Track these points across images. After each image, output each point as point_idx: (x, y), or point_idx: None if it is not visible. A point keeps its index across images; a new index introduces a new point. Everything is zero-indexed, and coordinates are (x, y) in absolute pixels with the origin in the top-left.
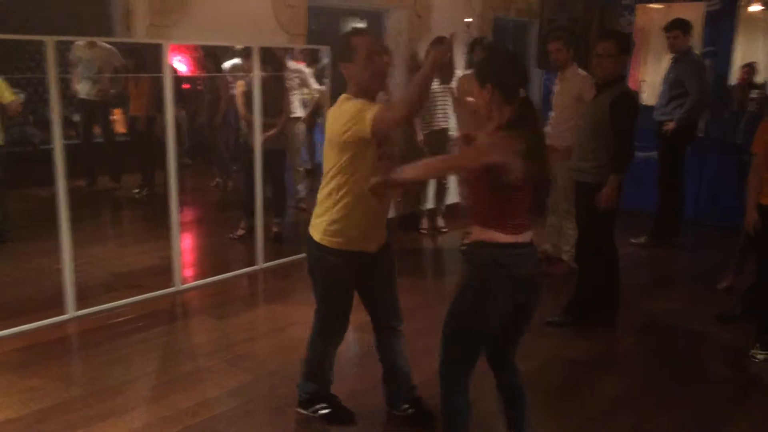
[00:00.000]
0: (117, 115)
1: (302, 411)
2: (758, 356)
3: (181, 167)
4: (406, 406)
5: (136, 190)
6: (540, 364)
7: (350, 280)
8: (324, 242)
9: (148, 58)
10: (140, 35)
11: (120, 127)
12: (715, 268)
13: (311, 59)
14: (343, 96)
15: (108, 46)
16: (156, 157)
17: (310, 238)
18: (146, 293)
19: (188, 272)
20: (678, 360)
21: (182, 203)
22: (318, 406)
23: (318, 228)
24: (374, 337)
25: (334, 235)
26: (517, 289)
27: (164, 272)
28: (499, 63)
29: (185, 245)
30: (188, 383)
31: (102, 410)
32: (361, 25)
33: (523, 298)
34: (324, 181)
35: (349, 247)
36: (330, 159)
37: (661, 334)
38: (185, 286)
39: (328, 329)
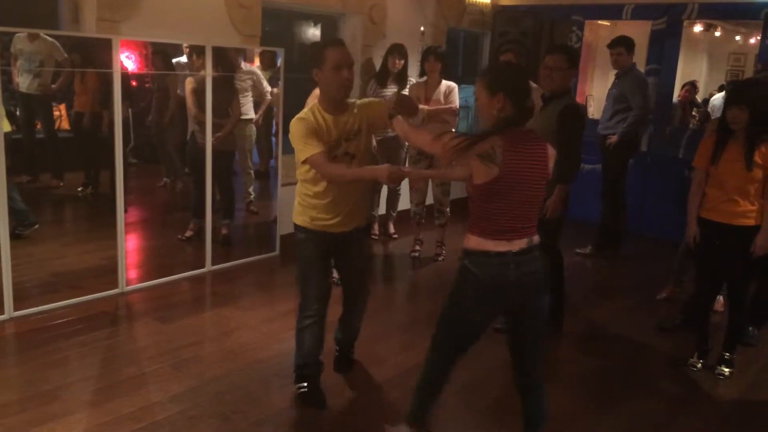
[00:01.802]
0: (60, 111)
1: (295, 386)
2: (696, 365)
3: (127, 166)
4: (338, 348)
5: (80, 189)
6: (485, 371)
7: (315, 254)
8: (296, 221)
9: (95, 53)
10: (89, 29)
11: (64, 123)
12: (656, 278)
13: (269, 62)
14: (314, 102)
15: (50, 39)
16: (101, 155)
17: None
18: (88, 295)
19: (133, 274)
20: (619, 369)
21: (128, 203)
22: (299, 384)
23: (295, 210)
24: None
25: (299, 214)
26: (494, 297)
27: (108, 273)
28: (511, 73)
29: (130, 246)
30: (130, 388)
31: (39, 415)
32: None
33: (508, 306)
34: (297, 168)
35: (310, 226)
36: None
37: (604, 343)
38: (129, 288)
39: (304, 300)
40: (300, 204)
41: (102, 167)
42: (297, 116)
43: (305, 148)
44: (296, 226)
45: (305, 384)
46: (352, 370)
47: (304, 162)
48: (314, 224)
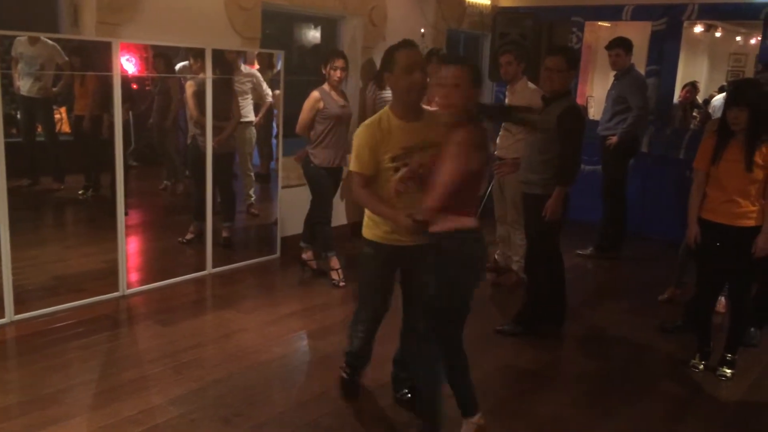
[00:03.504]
0: (61, 114)
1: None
2: (698, 367)
3: (128, 169)
4: (405, 391)
5: (81, 192)
6: (488, 373)
7: (381, 270)
8: (366, 235)
9: (95, 57)
10: (89, 32)
11: (65, 127)
12: (657, 279)
13: (267, 64)
14: (384, 108)
15: (51, 42)
16: (101, 158)
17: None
18: (89, 298)
19: (134, 277)
20: (621, 371)
21: (129, 206)
22: (344, 367)
23: (364, 223)
24: (402, 322)
25: (370, 228)
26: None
27: (109, 276)
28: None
29: (131, 249)
30: (131, 391)
31: (40, 418)
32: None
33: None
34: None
35: (381, 241)
36: None
37: (605, 344)
38: (130, 290)
39: (361, 311)
40: (369, 218)
41: (103, 170)
42: (364, 122)
43: (354, 161)
44: (365, 240)
45: (348, 372)
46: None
47: (350, 172)
48: (386, 238)
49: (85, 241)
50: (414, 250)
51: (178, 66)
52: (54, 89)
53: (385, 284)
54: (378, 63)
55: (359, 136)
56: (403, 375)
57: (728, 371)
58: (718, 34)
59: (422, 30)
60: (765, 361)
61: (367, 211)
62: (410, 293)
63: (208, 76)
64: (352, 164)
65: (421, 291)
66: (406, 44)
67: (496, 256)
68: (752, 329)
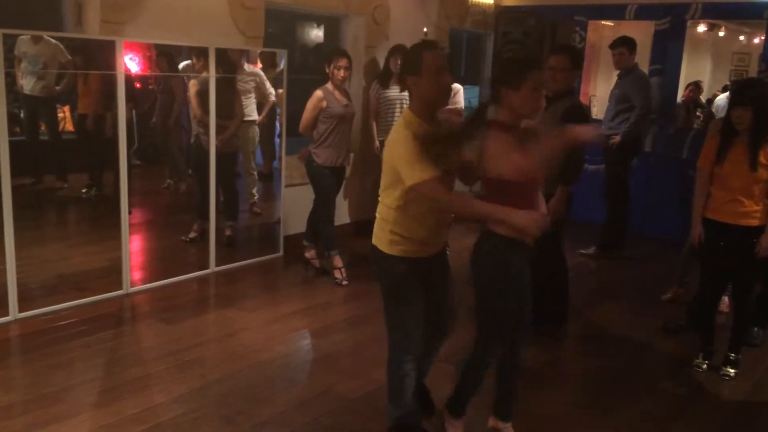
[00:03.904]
0: (65, 113)
1: None
2: (701, 366)
3: (131, 168)
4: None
5: (84, 190)
6: (488, 372)
7: (417, 285)
8: (389, 251)
9: (99, 55)
10: (92, 31)
11: (68, 125)
12: (660, 279)
13: (270, 63)
14: (405, 110)
15: (54, 41)
16: (105, 157)
17: (374, 247)
18: (93, 296)
19: (137, 275)
20: (623, 371)
21: (132, 205)
22: None
23: (383, 237)
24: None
25: (398, 244)
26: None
27: (112, 275)
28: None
29: (135, 247)
30: (134, 389)
31: (43, 417)
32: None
33: None
34: (384, 192)
35: (412, 255)
36: (388, 174)
37: (607, 344)
38: (134, 289)
39: (406, 342)
40: (394, 233)
41: (106, 169)
42: (400, 128)
43: (415, 170)
44: (390, 257)
45: None
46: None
47: (413, 187)
48: (416, 252)
49: (88, 240)
50: (432, 260)
51: (181, 65)
52: (57, 88)
53: (423, 299)
54: (381, 63)
55: (410, 143)
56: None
57: (731, 371)
58: (721, 34)
59: (425, 29)
60: None
61: (390, 226)
62: (433, 302)
63: (212, 75)
64: (419, 173)
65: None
66: (431, 45)
67: None
68: (755, 329)
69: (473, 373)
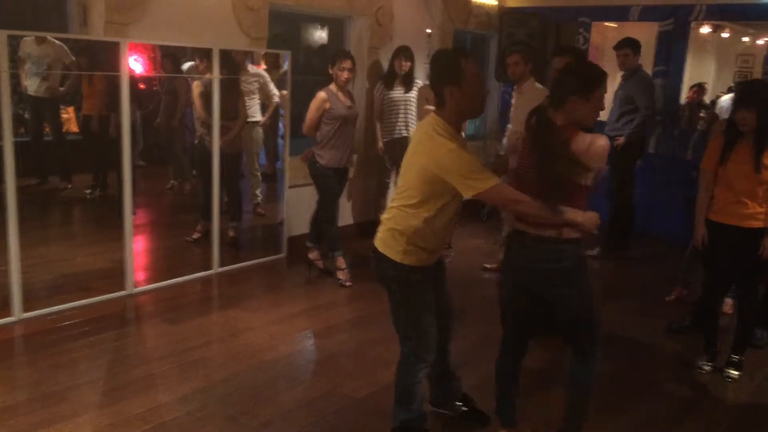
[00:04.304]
0: (69, 114)
1: None
2: (705, 368)
3: (135, 169)
4: (460, 404)
5: (88, 191)
6: (492, 372)
7: (431, 293)
8: (406, 261)
9: (103, 56)
10: (97, 32)
11: (72, 126)
12: (664, 280)
13: (274, 64)
14: (433, 118)
15: (58, 42)
16: (109, 158)
17: (383, 256)
18: (97, 296)
19: (141, 275)
20: (627, 371)
21: (136, 205)
22: None
23: (394, 248)
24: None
25: (413, 254)
26: None
27: (116, 275)
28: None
29: (138, 248)
30: (138, 389)
31: (47, 416)
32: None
33: None
34: (401, 198)
35: (426, 264)
36: (412, 181)
37: (611, 345)
38: (138, 289)
39: (421, 350)
40: (410, 243)
41: (110, 169)
42: (436, 134)
43: (480, 180)
44: (407, 268)
45: None
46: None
47: (479, 195)
48: (429, 260)
49: (92, 240)
50: (435, 265)
51: (185, 66)
52: (61, 89)
53: (434, 306)
54: (385, 64)
55: (464, 156)
56: (450, 386)
57: (735, 373)
58: (725, 35)
59: (429, 30)
60: None
61: (407, 238)
62: (439, 303)
63: (216, 76)
64: (482, 182)
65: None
66: (466, 53)
67: (502, 257)
68: (759, 331)
69: (592, 383)
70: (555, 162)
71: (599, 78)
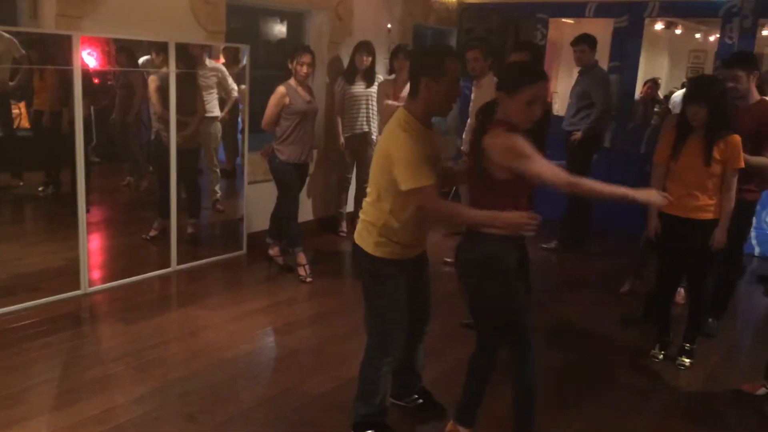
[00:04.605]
0: (20, 109)
1: None
2: (658, 357)
3: (89, 165)
4: (416, 396)
5: (41, 188)
6: (453, 366)
7: (404, 288)
8: (377, 253)
9: (55, 50)
10: (48, 25)
11: (23, 122)
12: (620, 272)
13: (233, 58)
14: (401, 112)
15: (7, 35)
16: (62, 154)
17: (359, 248)
18: (50, 296)
19: (96, 274)
20: (584, 363)
21: (90, 203)
22: None
23: (370, 238)
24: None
25: (385, 246)
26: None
27: (70, 274)
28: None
29: (93, 246)
30: (94, 390)
31: (2, 419)
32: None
33: None
34: (372, 194)
35: (399, 257)
36: (378, 174)
37: (569, 337)
38: (93, 288)
39: (388, 345)
40: (382, 236)
41: (63, 166)
42: (398, 127)
43: (415, 177)
44: (377, 259)
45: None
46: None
47: (410, 191)
48: (403, 254)
49: (45, 239)
50: (416, 260)
51: (141, 60)
52: (11, 83)
53: (406, 302)
54: (345, 59)
55: (410, 144)
56: (410, 380)
57: (687, 361)
58: (678, 32)
59: (389, 25)
60: (722, 350)
61: (378, 230)
62: (417, 301)
63: (172, 70)
64: (415, 180)
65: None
66: (453, 52)
67: None
68: (710, 319)
69: (530, 384)
70: (479, 156)
71: (527, 78)
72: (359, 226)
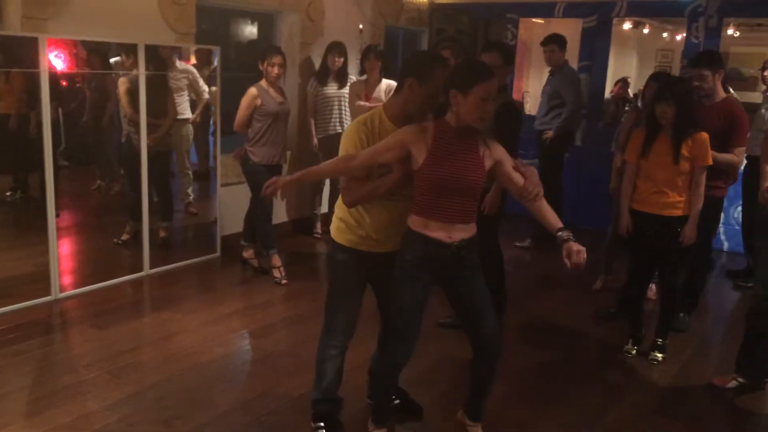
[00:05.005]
0: None
1: (312, 425)
2: (631, 352)
3: (58, 169)
4: (392, 397)
5: (8, 193)
6: (431, 365)
7: (356, 278)
8: (336, 239)
9: (21, 53)
10: (13, 28)
11: None
12: (593, 269)
13: (205, 60)
14: (377, 110)
15: None
16: (30, 158)
17: (332, 240)
18: (20, 302)
19: (67, 280)
20: (558, 358)
21: (60, 207)
22: (318, 424)
23: (333, 224)
24: (380, 333)
25: (344, 233)
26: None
27: (40, 280)
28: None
29: (64, 251)
30: (67, 397)
31: None
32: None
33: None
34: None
35: (357, 246)
36: None
37: (544, 334)
38: (64, 294)
39: (332, 326)
40: (343, 221)
41: (31, 170)
42: (358, 122)
43: (345, 145)
44: (338, 246)
45: (322, 424)
46: (423, 416)
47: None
48: (361, 244)
49: (13, 245)
50: (382, 258)
51: (113, 60)
52: None
53: (360, 293)
54: (316, 60)
55: (352, 130)
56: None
57: (659, 355)
58: (645, 31)
59: (360, 26)
60: (694, 345)
61: (340, 214)
62: (386, 300)
63: (141, 72)
64: (342, 149)
65: (483, 293)
66: (444, 63)
67: None
68: (681, 315)
69: (380, 372)
70: None
71: (479, 76)
72: (332, 221)
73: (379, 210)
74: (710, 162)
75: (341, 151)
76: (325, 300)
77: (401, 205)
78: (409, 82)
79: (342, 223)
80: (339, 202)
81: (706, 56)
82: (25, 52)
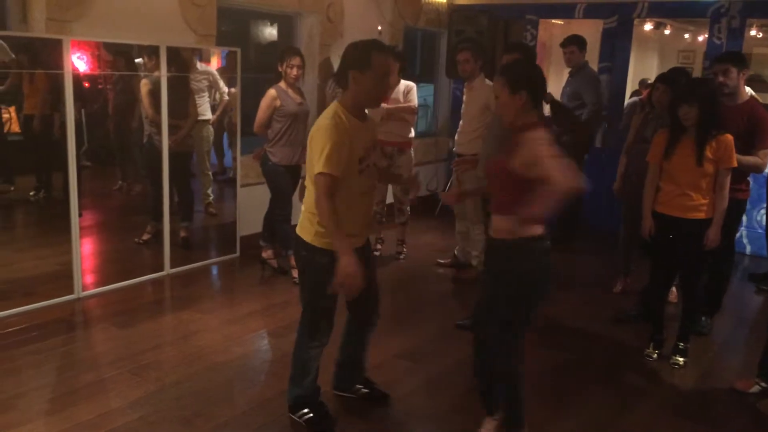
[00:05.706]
0: (10, 114)
1: (292, 416)
2: (652, 356)
3: (81, 169)
4: (359, 386)
5: (32, 193)
6: (448, 367)
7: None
8: (314, 243)
9: (45, 54)
10: (38, 29)
11: (14, 126)
12: (611, 271)
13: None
14: (335, 104)
15: None
16: (53, 158)
17: (299, 238)
18: (43, 301)
19: (89, 279)
20: (578, 362)
21: (82, 207)
22: (302, 411)
23: (308, 230)
24: (346, 325)
25: (322, 236)
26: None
27: (63, 279)
28: (532, 71)
29: (86, 250)
30: (88, 395)
31: None
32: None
33: None
34: (309, 183)
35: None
36: (308, 163)
37: (561, 336)
38: (86, 293)
39: (314, 331)
40: (322, 226)
41: (55, 170)
42: (327, 117)
43: (325, 162)
44: (316, 249)
45: (306, 410)
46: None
47: (317, 174)
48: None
49: (37, 244)
50: (360, 252)
51: (138, 60)
52: (1, 88)
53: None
54: (335, 61)
55: (331, 133)
56: (355, 373)
57: (681, 359)
58: (667, 32)
59: (379, 27)
60: (716, 348)
61: (317, 219)
62: (362, 293)
63: (163, 74)
64: (323, 165)
65: (489, 301)
66: (382, 46)
67: (455, 252)
68: (703, 318)
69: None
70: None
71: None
72: (301, 217)
73: (359, 204)
74: (735, 164)
75: (320, 146)
76: (304, 305)
77: (368, 199)
78: (352, 75)
79: (321, 228)
80: (312, 206)
81: (733, 53)
82: (49, 54)
